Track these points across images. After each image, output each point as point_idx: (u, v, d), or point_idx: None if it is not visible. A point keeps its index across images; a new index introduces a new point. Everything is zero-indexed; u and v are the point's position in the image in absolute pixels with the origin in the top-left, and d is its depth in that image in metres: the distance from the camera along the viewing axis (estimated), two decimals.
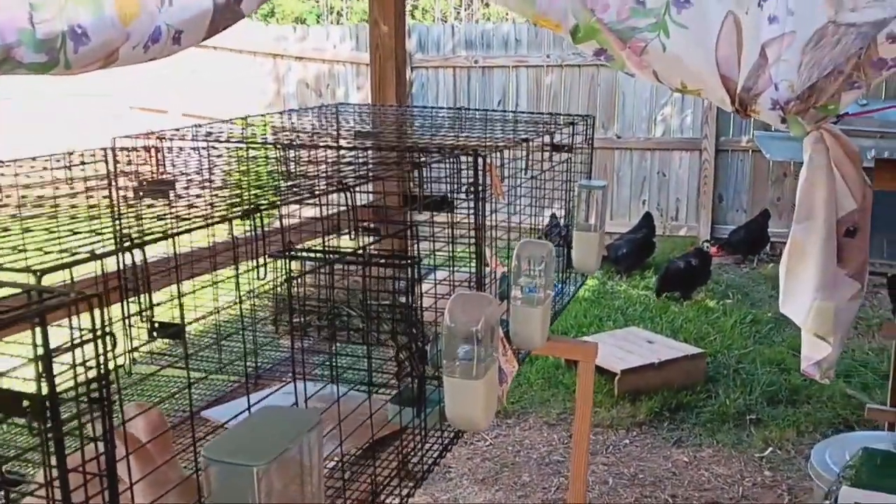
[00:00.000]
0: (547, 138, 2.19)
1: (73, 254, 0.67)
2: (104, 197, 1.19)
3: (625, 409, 4.05)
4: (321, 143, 1.82)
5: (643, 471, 3.53)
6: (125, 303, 1.21)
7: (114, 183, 1.37)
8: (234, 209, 0.93)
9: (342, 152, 1.80)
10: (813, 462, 2.91)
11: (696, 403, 4.12)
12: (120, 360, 1.61)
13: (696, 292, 5.77)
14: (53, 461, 0.60)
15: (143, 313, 0.82)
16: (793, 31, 1.96)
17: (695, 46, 2.10)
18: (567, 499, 3.03)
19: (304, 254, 1.43)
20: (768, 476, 3.47)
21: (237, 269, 0.94)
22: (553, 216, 3.55)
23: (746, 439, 3.78)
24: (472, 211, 1.61)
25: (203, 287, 1.50)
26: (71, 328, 0.56)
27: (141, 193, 1.26)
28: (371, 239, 1.38)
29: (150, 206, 1.03)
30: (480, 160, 1.57)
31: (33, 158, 1.47)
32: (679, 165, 7.40)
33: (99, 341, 0.57)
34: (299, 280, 1.49)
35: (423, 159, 1.46)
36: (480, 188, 1.59)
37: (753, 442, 3.75)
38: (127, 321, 1.54)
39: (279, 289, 1.55)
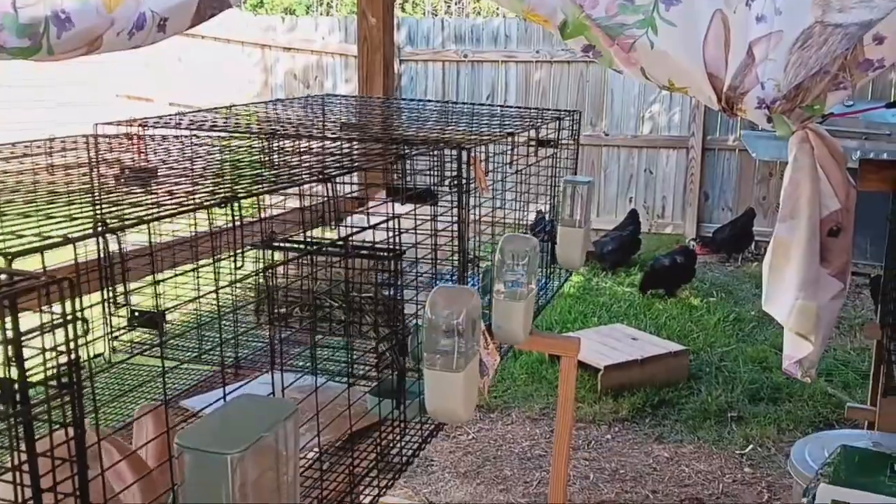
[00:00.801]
0: (532, 133, 2.19)
1: (47, 238, 0.66)
2: (84, 184, 1.18)
3: (607, 404, 4.06)
4: (305, 134, 1.81)
5: (624, 466, 3.54)
6: (104, 290, 1.21)
7: (95, 169, 1.36)
8: (214, 197, 0.92)
9: (327, 143, 1.79)
10: (793, 459, 2.93)
11: (678, 400, 4.14)
12: (99, 348, 1.60)
13: (680, 290, 5.80)
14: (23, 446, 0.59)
15: (118, 300, 0.81)
16: (780, 30, 1.96)
17: (682, 44, 2.10)
18: (548, 493, 3.04)
19: (286, 244, 1.42)
20: (748, 473, 3.49)
21: (214, 257, 0.93)
22: (539, 212, 3.55)
23: (728, 436, 3.80)
24: (455, 204, 1.61)
25: (183, 274, 1.49)
26: (41, 312, 0.55)
27: (122, 180, 1.25)
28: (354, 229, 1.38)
29: (129, 192, 1.02)
30: (465, 153, 1.57)
31: (13, 144, 1.46)
32: (666, 163, 7.42)
33: (70, 326, 0.57)
34: (281, 270, 1.48)
35: (406, 151, 1.45)
36: (464, 181, 1.59)
37: (734, 439, 3.77)
38: (107, 308, 1.53)
39: (260, 278, 1.55)
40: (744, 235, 6.70)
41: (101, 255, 1.37)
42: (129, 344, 1.75)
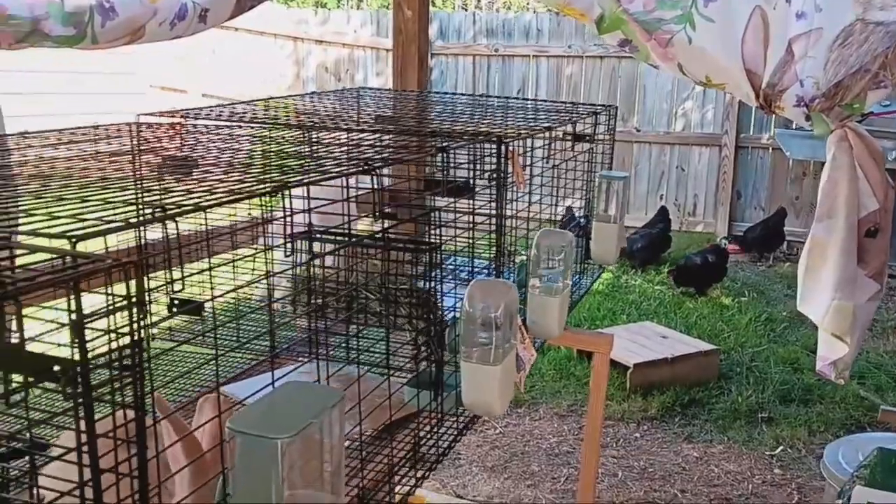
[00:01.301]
0: (569, 127, 2.18)
1: (107, 222, 0.67)
2: (130, 171, 1.20)
3: (636, 402, 4.04)
4: (344, 127, 1.82)
5: (653, 465, 3.53)
6: (146, 277, 1.22)
7: (138, 158, 1.37)
8: (261, 186, 0.93)
9: (363, 135, 1.80)
10: (825, 461, 2.90)
11: (707, 400, 4.11)
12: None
13: (711, 289, 5.75)
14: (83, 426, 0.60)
15: (171, 286, 0.83)
16: (820, 27, 1.94)
17: (721, 40, 2.09)
18: (577, 490, 3.04)
19: (326, 235, 1.43)
20: (778, 474, 3.46)
21: (265, 246, 0.94)
22: (569, 208, 3.54)
23: (758, 437, 3.77)
24: (492, 198, 1.61)
25: (223, 264, 1.50)
26: (106, 295, 0.56)
27: (164, 170, 1.27)
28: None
29: (177, 181, 1.03)
30: (504, 147, 1.57)
31: (59, 131, 1.48)
32: (698, 160, 7.36)
33: (133, 309, 0.58)
34: (319, 261, 1.49)
35: (447, 144, 1.46)
36: (502, 175, 1.59)
37: (765, 440, 3.74)
38: (147, 295, 1.55)
39: (299, 269, 1.56)
40: (775, 235, 6.63)
41: (141, 243, 1.39)
42: (167, 331, 1.77)
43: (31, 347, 0.61)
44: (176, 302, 1.56)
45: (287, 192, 0.96)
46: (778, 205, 6.96)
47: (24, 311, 0.62)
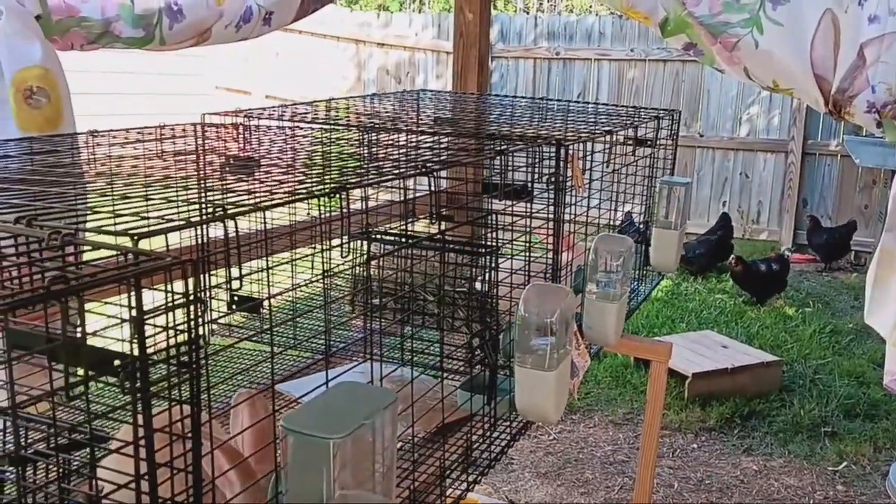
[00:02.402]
0: (630, 132, 2.15)
1: (168, 221, 0.68)
2: (193, 170, 1.22)
3: (694, 413, 3.97)
4: (403, 128, 1.83)
5: (710, 476, 3.46)
6: (206, 274, 1.24)
7: (202, 157, 1.40)
8: (321, 187, 0.94)
9: (422, 137, 1.80)
10: (891, 479, 2.81)
11: (768, 412, 4.01)
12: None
13: (773, 299, 5.62)
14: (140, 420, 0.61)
15: (229, 284, 0.84)
16: (894, 31, 1.88)
17: (789, 44, 2.04)
18: (631, 499, 2.99)
19: (383, 236, 1.44)
20: (841, 491, 3.36)
21: (323, 245, 0.95)
22: (627, 214, 3.49)
23: (820, 452, 3.66)
24: (551, 202, 1.60)
25: (281, 264, 1.52)
26: (166, 292, 0.57)
27: (227, 169, 1.29)
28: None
29: (238, 180, 1.05)
30: (563, 150, 1.55)
31: (127, 130, 1.52)
32: (763, 167, 7.20)
33: (191, 306, 0.59)
34: (378, 262, 1.50)
35: (505, 147, 1.45)
36: (561, 179, 1.57)
37: (827, 455, 3.63)
38: (207, 292, 1.58)
39: (357, 269, 1.57)
40: (841, 245, 6.44)
41: (201, 242, 1.42)
42: (226, 327, 1.80)
43: (93, 342, 0.63)
44: (235, 299, 1.59)
45: (345, 193, 0.96)
46: (846, 214, 6.77)
47: (88, 307, 0.63)
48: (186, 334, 0.59)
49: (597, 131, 1.86)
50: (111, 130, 1.50)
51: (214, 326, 1.75)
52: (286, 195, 0.81)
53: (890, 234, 2.04)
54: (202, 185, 1.05)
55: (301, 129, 1.75)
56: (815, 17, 2.01)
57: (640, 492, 2.31)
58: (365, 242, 1.43)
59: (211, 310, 1.68)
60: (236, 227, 0.70)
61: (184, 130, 1.60)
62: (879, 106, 1.98)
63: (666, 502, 3.26)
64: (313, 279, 1.37)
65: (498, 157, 1.41)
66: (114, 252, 0.61)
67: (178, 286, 0.62)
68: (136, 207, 0.75)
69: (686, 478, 3.44)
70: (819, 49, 2.03)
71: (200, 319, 0.60)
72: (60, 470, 0.69)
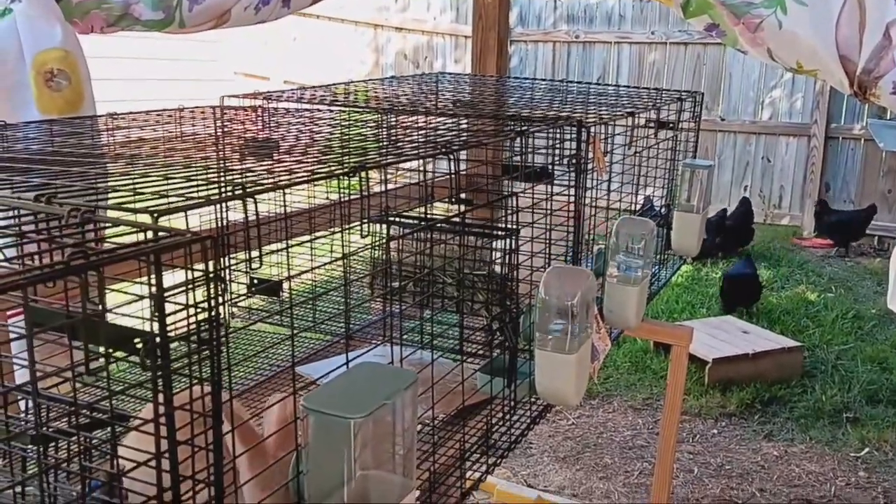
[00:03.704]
0: (652, 114, 2.12)
1: (188, 199, 0.68)
2: (212, 151, 1.22)
3: (714, 398, 3.95)
4: (422, 110, 1.81)
5: (730, 462, 3.44)
6: (227, 255, 1.24)
7: (221, 139, 1.40)
8: (340, 167, 0.93)
9: (441, 120, 1.79)
10: None
11: (789, 397, 3.98)
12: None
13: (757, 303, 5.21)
14: (161, 399, 0.61)
15: (249, 265, 0.83)
16: None
17: (813, 24, 2.00)
18: (650, 484, 2.98)
19: (402, 219, 1.43)
20: (863, 477, 3.33)
21: (343, 227, 0.94)
22: (647, 198, 3.46)
23: (842, 437, 3.64)
24: (571, 184, 1.58)
25: (300, 245, 1.52)
26: (186, 270, 0.57)
27: (245, 151, 1.28)
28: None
29: (258, 161, 1.04)
30: (584, 132, 1.53)
31: (147, 112, 1.52)
32: (785, 151, 7.12)
33: (211, 284, 0.58)
34: (397, 244, 1.50)
35: (525, 128, 1.43)
36: (582, 161, 1.56)
37: (849, 441, 3.60)
38: (228, 274, 1.58)
39: (376, 252, 1.57)
40: (856, 230, 6.33)
41: (225, 222, 1.41)
42: (246, 310, 1.81)
43: (115, 321, 0.62)
44: (255, 281, 1.59)
45: (364, 174, 0.95)
46: (869, 198, 6.68)
47: (111, 286, 0.63)
48: (206, 312, 0.58)
49: (618, 113, 1.84)
50: (130, 113, 1.50)
51: (234, 310, 1.75)
52: (305, 175, 0.80)
53: None
54: (221, 166, 1.04)
55: (320, 111, 1.74)
56: None
57: (660, 476, 2.30)
58: (384, 225, 1.42)
59: (231, 293, 1.69)
60: (256, 207, 0.69)
61: (203, 113, 1.59)
62: None
63: (685, 488, 3.24)
64: (331, 261, 1.36)
65: (518, 139, 1.39)
66: (134, 230, 0.61)
67: (199, 267, 0.61)
68: (155, 186, 0.74)
69: (706, 463, 3.43)
70: (844, 29, 1.99)
71: (221, 298, 0.60)
72: (81, 448, 0.69)
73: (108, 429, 0.69)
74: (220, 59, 8.93)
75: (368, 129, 1.66)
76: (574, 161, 1.52)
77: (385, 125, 1.69)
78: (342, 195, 1.52)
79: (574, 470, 3.36)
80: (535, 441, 3.57)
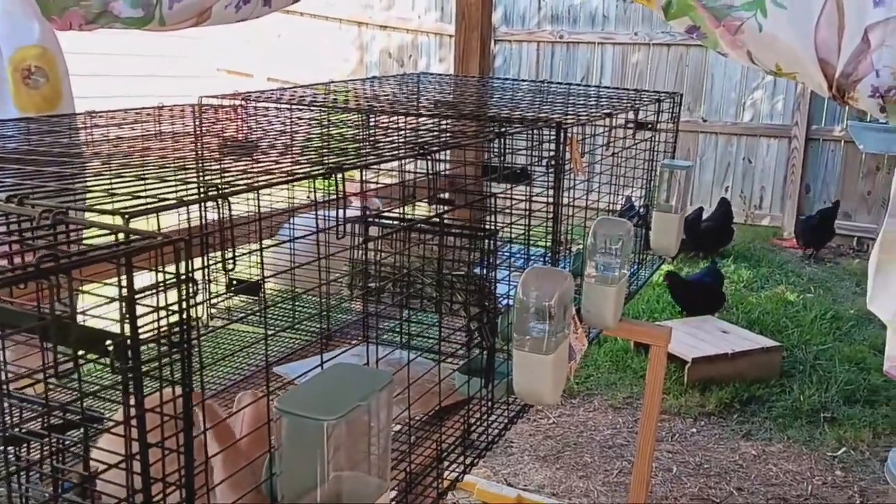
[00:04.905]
0: (631, 115, 2.14)
1: (161, 200, 0.68)
2: (190, 151, 1.22)
3: (694, 397, 3.98)
4: (403, 111, 1.82)
5: (709, 461, 3.46)
6: (205, 255, 1.24)
7: (200, 139, 1.39)
8: (316, 168, 0.93)
9: (422, 120, 1.79)
10: (890, 465, 2.81)
11: (768, 397, 4.02)
12: (199, 312, 1.66)
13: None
14: (133, 401, 0.61)
15: (224, 265, 0.83)
16: None
17: (793, 28, 2.02)
18: (629, 483, 3.00)
19: (381, 219, 1.44)
20: (840, 476, 3.37)
21: (316, 229, 0.94)
22: (628, 198, 3.48)
23: (819, 437, 3.67)
24: (550, 185, 1.59)
25: (277, 245, 1.52)
26: (156, 272, 0.57)
27: (225, 151, 1.28)
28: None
29: (235, 161, 1.04)
30: (562, 133, 1.54)
31: (126, 110, 1.51)
32: (766, 152, 7.17)
33: (182, 286, 0.58)
34: (375, 244, 1.50)
35: (504, 130, 1.44)
36: (560, 162, 1.57)
37: (826, 440, 3.64)
38: (207, 275, 1.58)
39: (355, 252, 1.57)
40: (824, 230, 6.36)
41: (203, 222, 1.41)
42: (226, 311, 1.80)
43: (90, 323, 0.62)
44: (234, 282, 1.58)
45: (341, 176, 0.96)
46: (850, 199, 6.75)
47: (82, 288, 0.63)
48: (178, 315, 0.58)
49: (597, 114, 1.85)
50: (109, 111, 1.50)
51: (213, 310, 1.75)
52: (280, 176, 0.81)
53: (893, 220, 2.03)
54: (199, 166, 1.04)
55: (300, 111, 1.74)
56: (820, 1, 1.99)
57: (639, 475, 2.31)
58: (363, 225, 1.43)
59: (210, 293, 1.68)
60: (229, 208, 0.69)
61: (182, 111, 1.59)
62: (883, 90, 1.97)
63: (664, 486, 3.27)
64: (307, 262, 1.36)
65: (497, 140, 1.40)
66: (107, 232, 0.61)
67: (172, 269, 0.61)
68: (130, 187, 0.74)
69: (685, 462, 3.45)
70: (823, 32, 2.01)
71: (193, 300, 0.60)
72: (52, 450, 0.69)
73: (81, 430, 0.69)
74: (203, 56, 8.88)
75: (348, 129, 1.66)
76: (553, 162, 1.53)
77: (364, 126, 1.69)
78: (325, 196, 1.52)
79: (554, 469, 3.37)
80: (515, 440, 3.58)
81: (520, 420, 1.56)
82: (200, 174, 0.92)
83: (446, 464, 1.30)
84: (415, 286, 1.54)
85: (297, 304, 1.78)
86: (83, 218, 0.62)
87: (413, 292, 1.53)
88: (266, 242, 1.60)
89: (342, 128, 1.68)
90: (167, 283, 0.59)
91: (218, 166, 1.01)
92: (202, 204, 0.83)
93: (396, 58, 8.69)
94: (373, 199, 1.93)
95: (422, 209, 1.53)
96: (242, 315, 1.56)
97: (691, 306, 4.89)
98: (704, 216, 6.59)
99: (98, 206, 0.64)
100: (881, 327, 2.04)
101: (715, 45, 2.21)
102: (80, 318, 0.61)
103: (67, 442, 0.70)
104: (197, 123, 1.54)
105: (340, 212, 1.04)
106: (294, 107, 1.84)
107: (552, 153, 1.54)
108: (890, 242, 2.02)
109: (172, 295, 0.61)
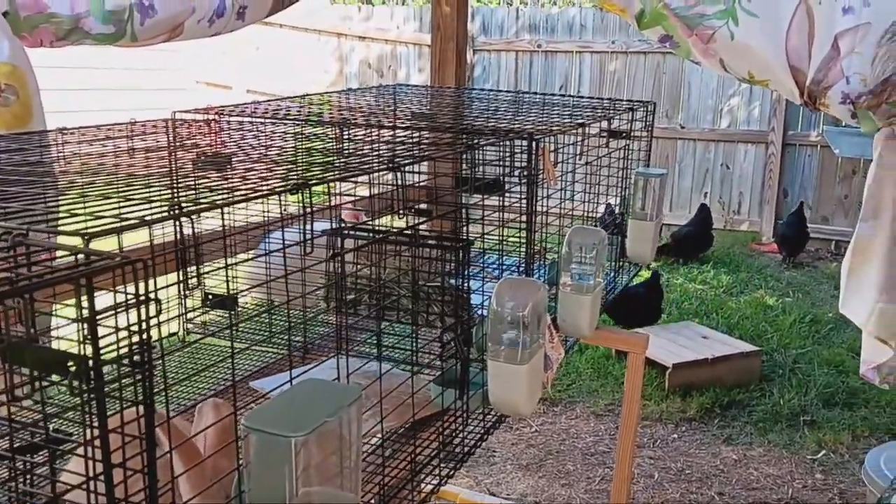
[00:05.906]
0: (604, 124, 2.15)
1: (125, 220, 0.68)
2: (162, 167, 1.22)
3: (675, 403, 3.99)
4: (376, 123, 1.82)
5: (690, 466, 3.48)
6: (179, 272, 1.24)
7: (173, 154, 1.39)
8: (286, 183, 0.94)
9: (397, 132, 1.80)
10: (867, 467, 2.83)
11: (748, 402, 4.04)
12: (174, 328, 1.65)
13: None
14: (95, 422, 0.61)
15: (191, 281, 0.83)
16: (868, 22, 1.89)
17: (764, 36, 2.05)
18: (611, 490, 3.01)
19: (355, 232, 1.44)
20: (820, 479, 3.39)
21: (284, 243, 0.94)
22: (608, 205, 3.50)
23: (799, 440, 3.70)
24: (524, 195, 1.60)
25: (249, 260, 1.52)
26: (116, 292, 0.57)
27: (198, 165, 1.28)
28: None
29: (205, 177, 1.04)
30: (534, 144, 1.55)
31: (98, 126, 1.50)
32: (744, 158, 7.23)
33: (142, 307, 0.58)
34: (349, 257, 1.50)
35: (476, 141, 1.45)
36: (533, 172, 1.58)
37: (806, 444, 3.66)
38: (183, 290, 1.57)
39: (330, 265, 1.57)
40: (799, 234, 6.38)
41: (177, 238, 1.41)
42: (202, 325, 1.80)
43: (54, 345, 0.62)
44: (210, 297, 1.58)
45: (308, 190, 0.96)
46: (827, 204, 6.81)
47: (50, 308, 0.63)
48: (138, 335, 0.58)
49: (569, 124, 1.87)
50: (81, 127, 1.49)
51: (189, 325, 1.74)
52: (247, 192, 0.81)
53: (865, 224, 2.06)
54: (168, 182, 1.04)
55: (274, 125, 1.74)
56: (790, 9, 2.01)
57: (619, 482, 2.32)
58: (337, 238, 1.43)
59: (186, 308, 1.68)
60: (192, 226, 0.69)
61: (155, 126, 1.59)
62: (854, 97, 1.99)
63: (646, 493, 3.28)
64: (281, 276, 1.36)
65: (468, 152, 1.41)
66: (67, 253, 0.61)
67: (132, 290, 0.61)
68: (94, 206, 0.74)
69: (666, 468, 3.47)
70: (794, 40, 2.04)
71: (154, 320, 0.60)
72: (15, 473, 0.68)
73: (46, 452, 0.69)
74: (182, 68, 8.85)
75: (321, 143, 1.66)
76: (525, 173, 1.54)
77: (340, 139, 1.70)
78: (300, 209, 1.53)
79: (537, 477, 3.37)
80: (497, 449, 3.59)
81: (501, 429, 1.57)
82: (169, 191, 0.92)
83: (423, 475, 1.30)
84: (390, 297, 1.54)
85: (273, 317, 1.78)
86: (44, 239, 0.62)
87: (388, 304, 1.54)
88: (240, 256, 1.61)
89: (316, 141, 1.68)
90: (128, 303, 0.59)
91: (188, 182, 1.01)
92: (177, 220, 0.83)
93: (376, 68, 8.70)
94: (361, 214, 1.93)
95: (399, 221, 1.54)
96: (216, 329, 1.55)
97: (620, 316, 4.48)
98: (684, 223, 6.64)
99: (60, 227, 0.64)
100: (859, 330, 2.06)
101: (688, 54, 2.23)
102: (45, 339, 0.61)
103: (30, 465, 0.70)
104: (171, 139, 1.54)
105: (314, 225, 1.04)
106: (268, 120, 1.85)
107: (525, 164, 1.55)
108: (862, 246, 2.05)
109: (135, 315, 0.61)
